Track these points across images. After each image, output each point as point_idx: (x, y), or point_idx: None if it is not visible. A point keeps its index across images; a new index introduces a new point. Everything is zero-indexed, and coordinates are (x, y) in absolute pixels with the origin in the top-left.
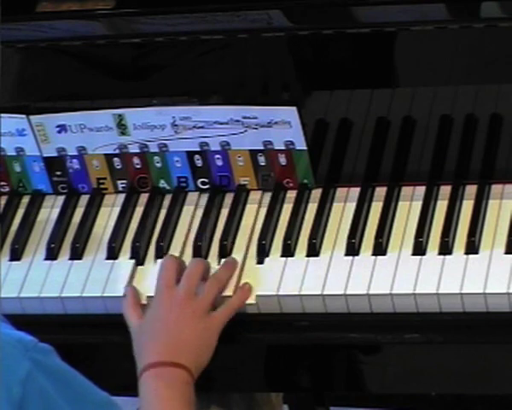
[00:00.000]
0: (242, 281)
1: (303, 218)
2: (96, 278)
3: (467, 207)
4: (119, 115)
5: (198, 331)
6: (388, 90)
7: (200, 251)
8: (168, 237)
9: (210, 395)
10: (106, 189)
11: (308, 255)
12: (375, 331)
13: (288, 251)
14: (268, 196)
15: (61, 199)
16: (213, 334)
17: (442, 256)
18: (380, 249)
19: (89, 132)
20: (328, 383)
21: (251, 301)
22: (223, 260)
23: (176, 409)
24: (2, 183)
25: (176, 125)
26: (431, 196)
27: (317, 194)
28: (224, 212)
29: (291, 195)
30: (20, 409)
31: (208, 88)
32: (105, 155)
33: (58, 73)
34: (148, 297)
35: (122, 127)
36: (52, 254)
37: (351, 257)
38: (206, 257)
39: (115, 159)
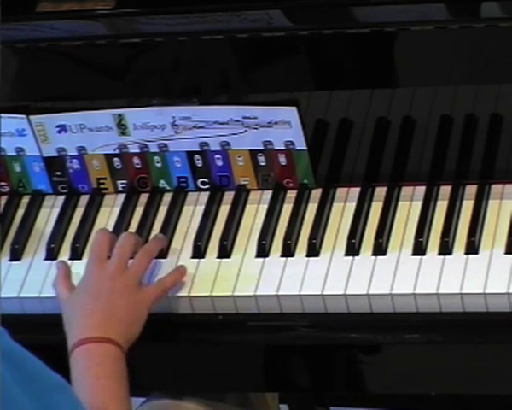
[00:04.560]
0: (242, 281)
1: (303, 218)
2: None
3: (467, 207)
4: (119, 115)
5: (129, 305)
6: (388, 90)
7: (200, 251)
8: (168, 236)
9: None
10: (106, 189)
11: (308, 255)
12: (375, 331)
13: (287, 251)
14: (268, 196)
15: (61, 199)
16: (144, 308)
17: (442, 256)
18: (380, 249)
19: (89, 132)
20: (328, 383)
21: (251, 300)
22: (221, 260)
23: (108, 386)
24: (2, 183)
25: (176, 125)
26: (431, 196)
27: (317, 194)
28: (224, 212)
29: (291, 195)
30: None
31: (208, 88)
32: (105, 155)
33: (58, 73)
34: None
35: (122, 127)
36: (52, 254)
37: (351, 257)
38: (205, 257)
39: (115, 159)
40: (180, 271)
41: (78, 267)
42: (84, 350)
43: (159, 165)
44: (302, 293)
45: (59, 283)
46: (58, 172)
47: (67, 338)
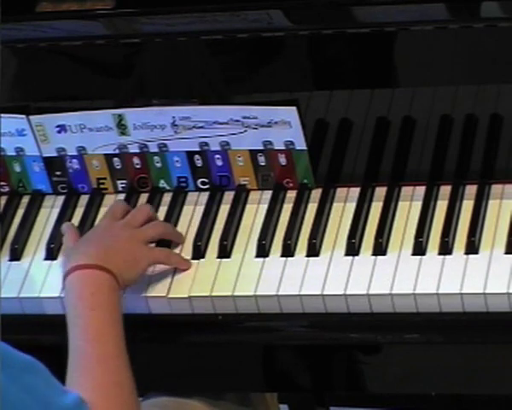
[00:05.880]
0: (242, 280)
1: (303, 218)
2: None
3: (467, 207)
4: (119, 115)
5: (131, 247)
6: (388, 90)
7: (200, 251)
8: None
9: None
10: (106, 189)
11: (308, 255)
12: (375, 331)
13: (288, 251)
14: (268, 196)
15: (60, 199)
16: (144, 257)
17: (442, 256)
18: (380, 249)
19: (89, 132)
20: (328, 383)
21: (251, 300)
22: (221, 260)
23: (102, 317)
24: (2, 183)
25: (176, 125)
26: (431, 196)
27: (317, 194)
28: (224, 212)
29: (291, 195)
30: None
31: (208, 88)
32: (105, 155)
33: (58, 73)
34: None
35: (122, 127)
36: (52, 254)
37: (351, 257)
38: (205, 257)
39: (115, 159)
40: (186, 261)
41: None
42: (78, 276)
43: (159, 165)
44: (302, 293)
45: (68, 236)
46: (58, 172)
47: (64, 269)
